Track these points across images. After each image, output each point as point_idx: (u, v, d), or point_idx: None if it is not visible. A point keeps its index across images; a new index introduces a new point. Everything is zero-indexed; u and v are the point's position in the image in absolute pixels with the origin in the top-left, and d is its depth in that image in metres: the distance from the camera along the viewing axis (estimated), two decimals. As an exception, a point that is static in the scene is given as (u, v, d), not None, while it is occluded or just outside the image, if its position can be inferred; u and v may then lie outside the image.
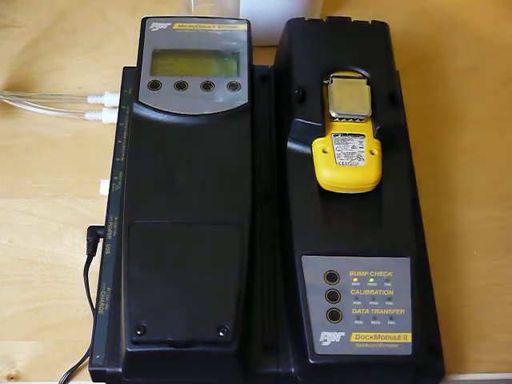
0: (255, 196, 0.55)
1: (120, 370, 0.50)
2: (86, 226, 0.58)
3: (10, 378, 0.54)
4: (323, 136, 0.55)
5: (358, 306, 0.50)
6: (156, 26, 0.62)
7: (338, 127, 0.56)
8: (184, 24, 0.62)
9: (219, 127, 0.56)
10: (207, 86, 0.58)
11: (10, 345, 0.56)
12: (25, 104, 0.68)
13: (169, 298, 0.48)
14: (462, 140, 0.69)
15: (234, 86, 0.58)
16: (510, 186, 0.66)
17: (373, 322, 0.50)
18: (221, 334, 0.47)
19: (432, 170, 0.66)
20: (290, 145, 0.56)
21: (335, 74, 0.58)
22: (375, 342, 0.49)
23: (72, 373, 0.54)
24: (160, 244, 0.51)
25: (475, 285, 0.60)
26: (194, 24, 0.62)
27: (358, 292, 0.51)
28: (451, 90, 0.72)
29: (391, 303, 0.50)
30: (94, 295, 0.55)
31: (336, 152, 0.54)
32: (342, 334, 0.49)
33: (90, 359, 0.51)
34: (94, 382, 0.52)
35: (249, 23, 0.62)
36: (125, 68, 0.66)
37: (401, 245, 0.53)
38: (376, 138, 0.55)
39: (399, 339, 0.49)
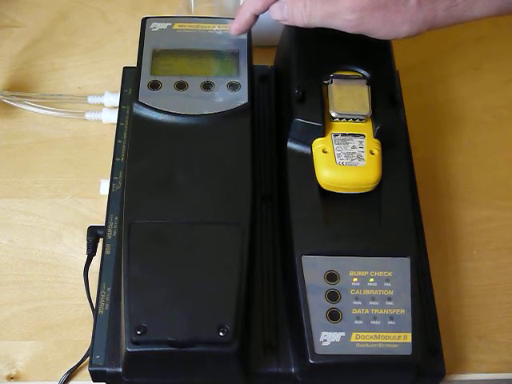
0: (255, 196, 0.55)
1: (120, 370, 0.50)
2: (86, 226, 0.58)
3: (10, 377, 0.54)
4: (323, 136, 0.55)
5: (358, 305, 0.50)
6: (156, 26, 0.62)
7: (338, 127, 0.56)
8: (184, 24, 0.62)
9: (219, 127, 0.56)
10: (207, 86, 0.58)
11: (10, 345, 0.56)
12: (25, 104, 0.68)
13: (169, 298, 0.48)
14: (462, 140, 0.69)
15: (233, 86, 0.58)
16: (510, 185, 0.66)
17: (373, 322, 0.50)
18: (221, 334, 0.47)
19: (432, 169, 0.66)
20: (290, 145, 0.56)
21: (335, 74, 0.58)
22: (375, 342, 0.49)
23: (72, 373, 0.54)
24: (160, 244, 0.51)
25: (475, 285, 0.60)
26: (194, 24, 0.62)
27: (358, 292, 0.51)
28: (451, 90, 0.72)
29: (391, 303, 0.50)
30: (94, 295, 0.55)
31: (336, 152, 0.54)
32: (342, 333, 0.49)
33: (90, 359, 0.51)
34: (94, 382, 0.52)
35: (249, 23, 0.62)
36: (125, 68, 0.66)
37: (401, 245, 0.53)
38: (376, 138, 0.55)
39: (399, 339, 0.49)
